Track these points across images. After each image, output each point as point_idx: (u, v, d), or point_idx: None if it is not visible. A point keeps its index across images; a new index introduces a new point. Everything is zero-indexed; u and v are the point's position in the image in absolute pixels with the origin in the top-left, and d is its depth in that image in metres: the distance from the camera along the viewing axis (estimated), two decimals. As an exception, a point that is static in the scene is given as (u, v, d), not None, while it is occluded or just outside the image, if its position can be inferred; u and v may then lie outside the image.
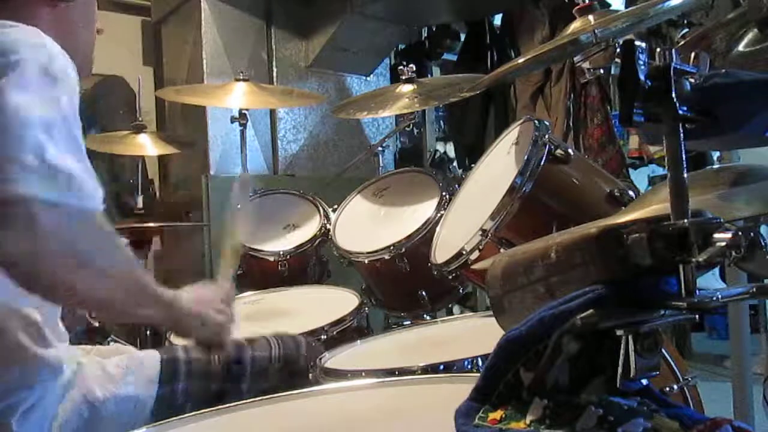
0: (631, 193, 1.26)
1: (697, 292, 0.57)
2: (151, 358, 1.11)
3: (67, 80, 0.93)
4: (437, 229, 1.56)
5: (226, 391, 1.12)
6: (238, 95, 2.35)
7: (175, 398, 1.08)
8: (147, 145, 2.55)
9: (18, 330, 0.95)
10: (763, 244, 0.67)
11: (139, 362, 1.09)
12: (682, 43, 1.13)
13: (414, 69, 2.27)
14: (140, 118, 2.62)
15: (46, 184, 0.84)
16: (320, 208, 2.13)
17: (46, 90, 0.89)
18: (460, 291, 1.85)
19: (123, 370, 1.06)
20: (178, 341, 1.47)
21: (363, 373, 1.06)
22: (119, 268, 0.95)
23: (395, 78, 2.48)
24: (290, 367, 1.18)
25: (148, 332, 2.45)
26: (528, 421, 0.58)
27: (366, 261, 1.80)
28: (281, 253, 2.00)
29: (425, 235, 1.72)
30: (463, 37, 3.98)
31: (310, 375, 1.15)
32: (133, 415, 1.03)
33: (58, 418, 0.96)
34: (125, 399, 1.03)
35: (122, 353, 1.13)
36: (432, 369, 1.04)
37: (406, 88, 2.21)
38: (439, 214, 1.74)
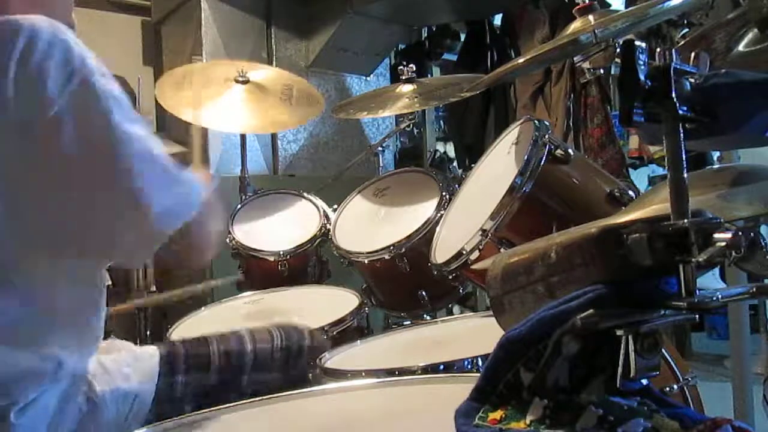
0: (631, 193, 1.26)
1: (697, 292, 0.57)
2: (150, 353, 1.11)
3: (96, 63, 0.90)
4: (437, 229, 1.56)
5: (226, 383, 1.12)
6: (239, 95, 2.34)
7: (175, 391, 1.08)
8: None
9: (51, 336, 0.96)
10: (763, 244, 0.67)
11: (138, 357, 1.09)
12: (682, 43, 1.13)
13: (414, 69, 2.26)
14: (140, 119, 2.61)
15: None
16: (320, 208, 2.13)
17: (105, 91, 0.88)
18: (460, 291, 1.85)
19: (121, 365, 1.06)
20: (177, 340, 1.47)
21: (363, 373, 1.06)
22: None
23: (395, 78, 2.48)
24: (292, 359, 1.18)
25: (148, 332, 2.45)
26: (528, 421, 0.58)
27: (366, 261, 1.80)
28: (281, 253, 2.00)
29: (425, 235, 1.72)
30: (463, 37, 3.98)
31: (310, 376, 1.15)
32: (132, 408, 1.03)
33: (57, 412, 0.96)
34: (124, 393, 1.03)
35: (118, 348, 1.13)
36: (432, 369, 1.04)
37: (406, 88, 2.21)
38: (439, 214, 1.74)
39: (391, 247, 1.76)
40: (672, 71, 0.60)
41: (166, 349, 1.13)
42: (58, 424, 0.95)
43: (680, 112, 0.60)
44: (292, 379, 1.14)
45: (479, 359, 1.04)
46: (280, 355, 1.17)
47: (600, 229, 0.63)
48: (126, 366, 1.06)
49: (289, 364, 1.17)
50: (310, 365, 1.17)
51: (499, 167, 1.39)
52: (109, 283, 2.10)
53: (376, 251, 1.78)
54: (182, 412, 1.02)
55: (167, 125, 3.59)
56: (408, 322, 1.80)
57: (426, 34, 4.13)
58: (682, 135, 0.61)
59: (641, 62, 0.61)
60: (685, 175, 0.60)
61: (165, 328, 1.66)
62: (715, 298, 0.57)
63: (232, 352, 1.14)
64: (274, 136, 3.45)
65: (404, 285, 1.81)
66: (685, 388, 1.13)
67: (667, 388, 1.09)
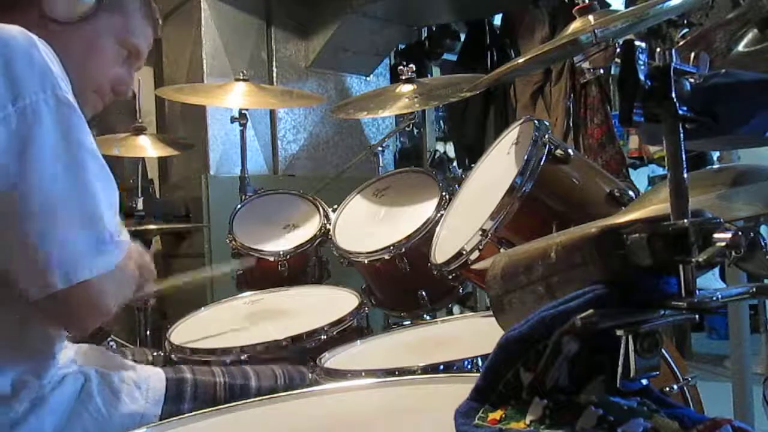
0: (631, 193, 1.26)
1: (697, 292, 0.57)
2: (157, 375, 1.11)
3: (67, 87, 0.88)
4: (437, 229, 1.56)
5: None
6: (238, 95, 2.35)
7: None
8: (147, 147, 2.55)
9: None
10: (763, 244, 0.67)
11: (146, 379, 1.09)
12: (682, 43, 1.13)
13: (414, 69, 2.26)
14: (140, 120, 2.62)
15: (104, 260, 0.88)
16: (320, 208, 2.13)
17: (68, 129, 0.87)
18: (460, 291, 1.84)
19: (129, 386, 1.06)
20: (177, 341, 1.48)
21: (363, 373, 1.07)
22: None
23: (395, 78, 2.48)
24: None
25: (148, 332, 2.45)
26: (528, 421, 0.58)
27: (366, 261, 1.80)
28: (281, 253, 2.00)
29: (425, 235, 1.72)
30: (463, 37, 3.99)
31: (310, 376, 1.15)
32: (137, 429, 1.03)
33: (60, 430, 0.95)
34: (130, 415, 1.03)
35: (112, 358, 1.12)
36: (432, 369, 1.04)
37: (406, 88, 2.21)
38: (439, 214, 1.74)
39: (391, 247, 1.75)
40: (672, 71, 0.60)
41: (174, 374, 1.13)
42: None
43: (680, 112, 0.60)
44: None
45: (479, 359, 1.04)
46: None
47: (600, 229, 0.63)
48: (134, 387, 1.06)
49: None
50: None
51: (499, 167, 1.39)
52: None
53: (376, 251, 1.78)
54: None
55: (167, 125, 3.60)
56: (408, 322, 1.80)
57: (426, 34, 4.13)
58: (682, 135, 0.61)
59: (641, 62, 0.61)
60: (685, 175, 0.60)
61: (165, 328, 1.66)
62: (715, 298, 0.57)
63: (237, 386, 1.15)
64: (274, 136, 3.46)
65: (404, 285, 1.81)
66: (685, 388, 1.13)
67: (667, 388, 1.09)
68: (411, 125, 2.59)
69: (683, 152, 0.61)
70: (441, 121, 4.44)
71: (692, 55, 0.64)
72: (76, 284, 0.85)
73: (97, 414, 0.99)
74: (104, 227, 0.88)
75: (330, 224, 2.00)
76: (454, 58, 4.07)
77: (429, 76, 3.95)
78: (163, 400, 1.07)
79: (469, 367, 1.04)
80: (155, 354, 1.41)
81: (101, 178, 0.90)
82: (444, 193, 1.82)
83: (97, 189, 0.88)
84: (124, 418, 1.02)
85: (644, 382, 0.59)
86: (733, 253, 0.56)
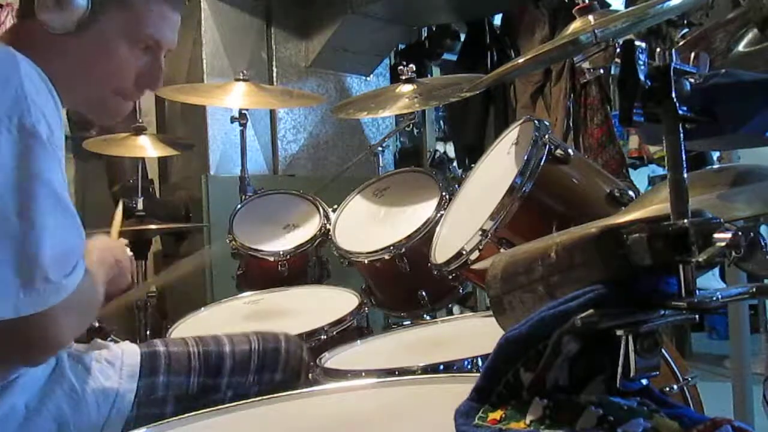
0: (631, 193, 1.26)
1: (697, 292, 0.58)
2: (131, 351, 1.11)
3: (46, 132, 0.83)
4: (437, 229, 1.56)
5: (206, 386, 1.12)
6: (238, 95, 2.35)
7: (156, 391, 1.08)
8: (147, 147, 2.55)
9: None
10: (763, 244, 0.67)
11: (119, 356, 1.09)
12: (682, 43, 1.13)
13: (414, 69, 2.26)
14: (140, 120, 2.62)
15: (29, 301, 0.82)
16: (320, 208, 2.13)
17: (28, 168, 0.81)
18: (460, 291, 1.84)
19: (102, 364, 1.06)
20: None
21: (363, 373, 1.07)
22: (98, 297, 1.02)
23: (395, 78, 2.48)
24: (271, 363, 1.18)
25: (147, 332, 2.45)
26: (528, 421, 0.58)
27: (366, 261, 1.80)
28: (281, 253, 2.00)
29: (425, 235, 1.72)
30: (463, 37, 3.98)
31: (310, 375, 1.15)
32: (114, 407, 1.03)
33: (34, 411, 0.94)
34: (105, 392, 1.03)
35: (98, 347, 1.12)
36: (432, 369, 1.04)
37: (406, 88, 2.21)
38: (439, 214, 1.74)
39: (391, 247, 1.75)
40: (672, 71, 0.60)
41: (148, 348, 1.13)
42: (35, 424, 0.94)
43: (680, 112, 0.60)
44: (269, 383, 1.15)
45: (479, 359, 1.04)
46: (258, 359, 1.17)
47: (600, 229, 0.63)
48: (107, 364, 1.06)
49: (266, 368, 1.17)
50: (286, 370, 1.17)
51: (499, 167, 1.39)
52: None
53: (376, 251, 1.78)
54: (164, 413, 1.02)
55: (167, 125, 3.60)
56: (408, 322, 1.80)
57: (426, 34, 4.13)
58: (682, 135, 0.61)
59: (641, 62, 0.61)
60: (685, 175, 0.60)
61: (165, 328, 1.66)
62: (715, 298, 0.57)
63: (211, 353, 1.15)
64: (274, 136, 3.46)
65: (404, 285, 1.81)
66: (685, 388, 1.13)
67: (667, 388, 1.09)
68: (411, 125, 2.59)
69: (683, 152, 0.61)
70: (441, 121, 4.44)
71: (692, 55, 0.64)
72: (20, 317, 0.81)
73: (70, 391, 0.99)
74: (38, 266, 0.81)
75: (330, 224, 2.01)
76: (454, 58, 4.06)
77: (429, 76, 3.95)
78: (138, 375, 1.07)
79: (469, 367, 1.04)
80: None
81: (54, 215, 0.84)
82: (444, 193, 1.82)
83: (44, 225, 0.82)
84: (99, 394, 1.02)
85: (644, 382, 0.59)
86: (733, 253, 0.56)
